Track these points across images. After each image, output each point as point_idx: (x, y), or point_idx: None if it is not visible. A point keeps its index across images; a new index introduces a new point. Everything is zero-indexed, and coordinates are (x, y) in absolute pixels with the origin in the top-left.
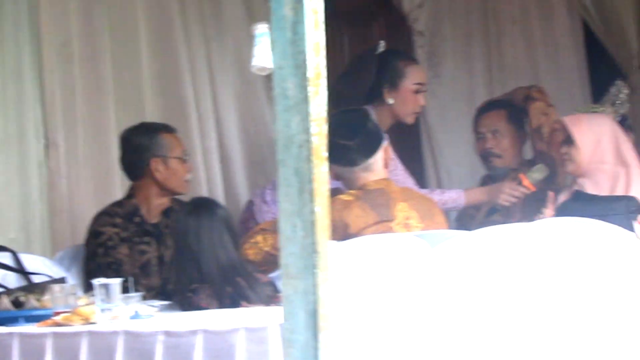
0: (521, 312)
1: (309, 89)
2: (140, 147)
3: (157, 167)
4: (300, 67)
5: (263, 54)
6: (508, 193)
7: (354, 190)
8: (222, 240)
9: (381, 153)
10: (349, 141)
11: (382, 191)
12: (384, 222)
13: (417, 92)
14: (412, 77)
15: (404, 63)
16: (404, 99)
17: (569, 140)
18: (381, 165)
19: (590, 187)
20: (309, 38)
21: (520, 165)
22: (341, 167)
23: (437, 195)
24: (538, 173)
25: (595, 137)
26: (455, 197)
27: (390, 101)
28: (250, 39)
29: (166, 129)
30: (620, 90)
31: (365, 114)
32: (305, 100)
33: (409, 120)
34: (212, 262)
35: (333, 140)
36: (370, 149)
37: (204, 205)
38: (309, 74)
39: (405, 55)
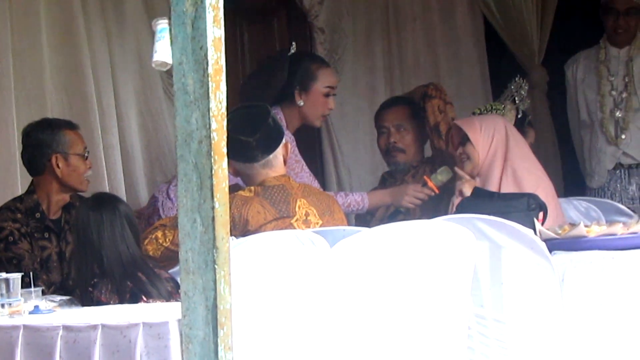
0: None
1: (210, 84)
2: (41, 143)
3: (58, 164)
4: (200, 62)
5: (163, 49)
6: (412, 195)
7: (254, 187)
8: (123, 235)
9: (281, 149)
10: (250, 137)
11: (282, 187)
12: (283, 218)
13: (327, 95)
14: (323, 80)
15: (316, 66)
16: (314, 102)
17: (464, 140)
18: (281, 162)
19: (485, 185)
20: (209, 33)
21: (421, 163)
22: (241, 164)
23: (341, 198)
24: (442, 175)
25: (489, 135)
26: (359, 200)
27: (301, 103)
28: (150, 34)
29: (68, 125)
30: (520, 87)
31: (266, 110)
32: (205, 95)
33: (317, 123)
34: (113, 256)
35: (233, 136)
36: (270, 145)
37: (105, 200)
38: (209, 69)
39: (318, 59)
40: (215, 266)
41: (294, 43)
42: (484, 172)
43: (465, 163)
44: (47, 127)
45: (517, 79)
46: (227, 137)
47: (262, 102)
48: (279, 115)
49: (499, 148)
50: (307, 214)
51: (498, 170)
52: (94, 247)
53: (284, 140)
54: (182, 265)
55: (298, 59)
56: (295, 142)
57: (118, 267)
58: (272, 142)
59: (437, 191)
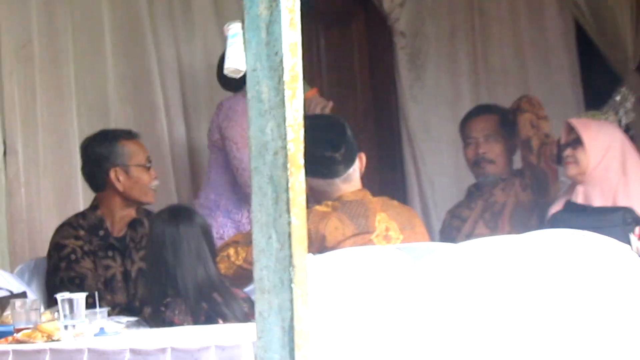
0: (511, 328)
1: (285, 92)
2: (99, 157)
3: (118, 177)
4: (275, 69)
5: (236, 55)
6: None
7: (331, 201)
8: (200, 252)
9: (357, 162)
10: (335, 152)
11: (361, 202)
12: (362, 234)
13: None
14: None
15: None
16: None
17: (575, 143)
18: (357, 175)
19: (593, 195)
20: (285, 38)
21: (511, 175)
22: (321, 180)
23: None
24: None
25: (604, 144)
26: None
27: None
28: (221, 38)
29: (127, 135)
30: (626, 99)
31: (341, 120)
32: (281, 104)
33: None
34: (189, 275)
35: (315, 152)
36: (352, 159)
37: (181, 214)
38: (285, 76)
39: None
40: (292, 285)
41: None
42: (593, 181)
43: (570, 166)
44: (103, 140)
45: (623, 89)
46: (305, 150)
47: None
48: (231, 99)
49: (615, 158)
50: (387, 229)
51: (611, 181)
52: (169, 264)
53: (359, 152)
54: (257, 284)
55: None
56: None
57: (193, 287)
58: (353, 155)
59: None
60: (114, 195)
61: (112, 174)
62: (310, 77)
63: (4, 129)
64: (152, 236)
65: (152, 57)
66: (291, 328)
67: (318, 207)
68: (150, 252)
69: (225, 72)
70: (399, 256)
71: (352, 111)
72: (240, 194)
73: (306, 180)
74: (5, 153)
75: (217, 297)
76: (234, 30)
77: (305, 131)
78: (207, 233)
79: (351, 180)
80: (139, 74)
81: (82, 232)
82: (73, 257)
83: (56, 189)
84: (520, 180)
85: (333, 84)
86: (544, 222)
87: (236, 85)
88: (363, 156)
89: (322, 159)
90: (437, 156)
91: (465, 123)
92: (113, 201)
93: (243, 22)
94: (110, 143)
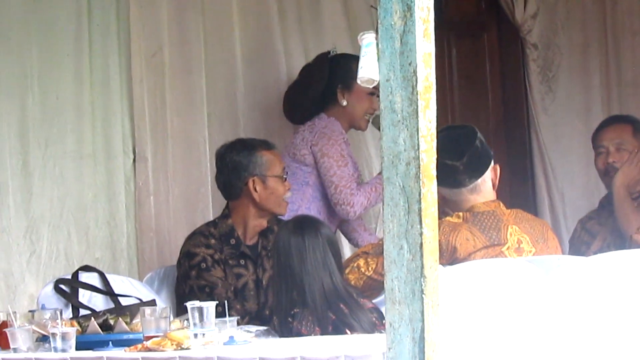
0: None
1: (419, 102)
2: (237, 165)
3: (255, 187)
4: (409, 79)
5: (369, 65)
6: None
7: (462, 213)
8: (326, 262)
9: (489, 173)
10: (456, 161)
11: (492, 213)
12: (494, 246)
13: (371, 94)
14: None
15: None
16: (358, 100)
17: None
18: (490, 186)
19: None
20: (419, 48)
21: None
22: (447, 189)
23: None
24: None
25: None
26: None
27: (344, 103)
28: (350, 47)
29: (265, 145)
30: None
31: (473, 131)
32: (414, 114)
33: (363, 124)
34: (316, 285)
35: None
36: (478, 169)
37: (307, 224)
38: (418, 86)
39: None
40: (423, 296)
41: (335, 46)
42: None
43: None
44: (242, 149)
45: None
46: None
47: (304, 106)
48: (323, 120)
49: None
50: (519, 242)
51: None
52: (295, 274)
53: (492, 164)
54: (388, 294)
55: (339, 58)
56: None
57: (320, 297)
58: (480, 165)
59: None
60: (248, 205)
61: (250, 184)
62: (441, 87)
63: (133, 137)
64: (278, 247)
65: (281, 67)
66: (422, 339)
67: (449, 219)
68: (277, 263)
69: (359, 81)
70: (530, 269)
71: (483, 122)
72: (315, 210)
73: (438, 190)
74: (134, 160)
75: (343, 307)
76: (367, 39)
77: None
78: (332, 244)
79: (480, 191)
80: (268, 83)
81: (213, 241)
82: (203, 265)
83: (185, 197)
84: None
85: (464, 94)
86: None
87: (301, 118)
88: (497, 168)
89: (444, 167)
90: (568, 168)
91: (597, 132)
92: (247, 210)
93: (377, 32)
94: (249, 152)
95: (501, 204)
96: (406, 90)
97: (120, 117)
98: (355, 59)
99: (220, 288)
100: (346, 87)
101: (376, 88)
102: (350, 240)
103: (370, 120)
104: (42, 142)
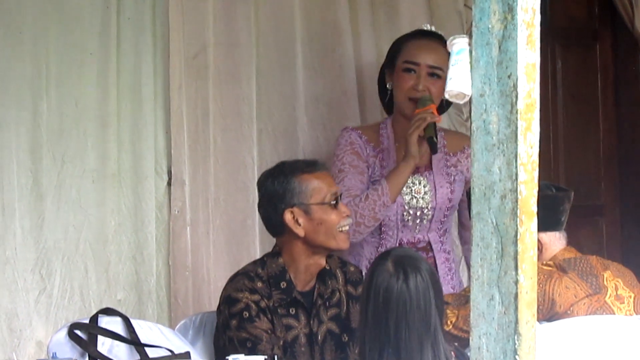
0: None
1: (519, 123)
2: (272, 196)
3: (296, 219)
4: (508, 95)
5: (460, 76)
6: (414, 126)
7: (551, 260)
8: (427, 310)
9: None
10: (561, 192)
11: (582, 258)
12: (596, 295)
13: (406, 70)
14: (404, 52)
15: (406, 38)
16: (397, 79)
17: None
18: None
19: None
20: (520, 58)
21: None
22: (542, 232)
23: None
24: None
25: None
26: (378, 192)
27: (389, 86)
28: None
29: (308, 168)
30: None
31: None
32: (513, 137)
33: (406, 109)
34: (414, 339)
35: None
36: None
37: (408, 264)
38: (519, 104)
39: (420, 33)
40: (517, 357)
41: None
42: None
43: None
44: (279, 175)
45: None
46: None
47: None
48: (386, 127)
49: None
50: (616, 287)
51: None
52: (390, 326)
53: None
54: (474, 354)
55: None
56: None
57: (417, 350)
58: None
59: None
60: (294, 241)
61: (287, 216)
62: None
63: (169, 155)
64: (372, 290)
65: (351, 74)
66: None
67: (542, 265)
68: (371, 309)
69: (446, 95)
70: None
71: (591, 152)
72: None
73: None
74: (169, 183)
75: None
76: (459, 45)
77: None
78: (435, 282)
79: (566, 236)
80: (335, 94)
81: (259, 284)
82: (246, 314)
83: (229, 230)
84: None
85: (570, 115)
86: None
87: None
88: None
89: (544, 199)
90: None
91: None
92: (295, 248)
93: (471, 37)
94: (285, 178)
95: (575, 250)
96: (504, 109)
97: (153, 130)
98: (414, 34)
99: (265, 343)
100: (390, 67)
101: (414, 64)
102: None
103: (423, 130)
104: (57, 158)
